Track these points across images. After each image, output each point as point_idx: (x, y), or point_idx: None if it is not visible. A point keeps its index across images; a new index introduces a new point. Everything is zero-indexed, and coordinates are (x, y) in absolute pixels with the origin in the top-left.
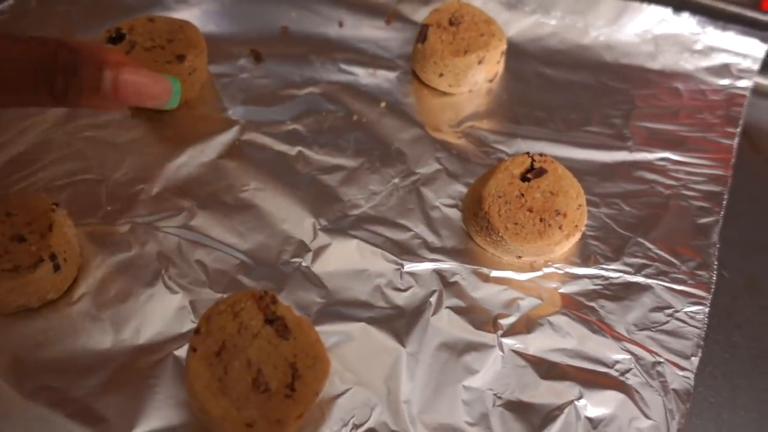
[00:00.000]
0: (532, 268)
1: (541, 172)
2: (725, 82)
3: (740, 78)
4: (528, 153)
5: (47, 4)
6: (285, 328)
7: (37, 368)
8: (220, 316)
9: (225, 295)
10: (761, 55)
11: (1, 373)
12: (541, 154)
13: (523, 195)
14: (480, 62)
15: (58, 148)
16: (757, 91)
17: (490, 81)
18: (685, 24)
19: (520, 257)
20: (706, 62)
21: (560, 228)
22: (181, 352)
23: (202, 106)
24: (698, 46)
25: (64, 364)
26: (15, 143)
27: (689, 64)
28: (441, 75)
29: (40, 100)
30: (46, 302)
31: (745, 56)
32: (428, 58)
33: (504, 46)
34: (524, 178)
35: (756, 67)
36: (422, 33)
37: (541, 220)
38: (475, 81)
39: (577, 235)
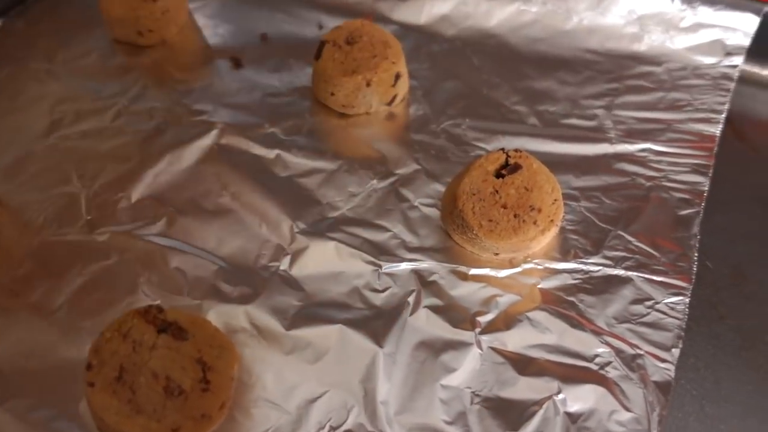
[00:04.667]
0: (512, 264)
1: (515, 168)
2: (713, 60)
3: (730, 55)
4: (503, 149)
5: (33, 25)
6: (180, 330)
7: (16, 378)
8: (108, 343)
9: (200, 302)
10: (753, 28)
11: None
12: (516, 150)
13: (497, 192)
14: (368, 84)
15: (40, 159)
16: (742, 78)
17: (388, 105)
18: (672, 0)
19: (497, 254)
20: (693, 40)
21: (535, 223)
22: None
23: (182, 46)
24: (685, 24)
25: (44, 375)
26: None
27: (676, 43)
28: (332, 94)
29: None
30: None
31: (735, 30)
32: (320, 76)
33: (399, 70)
34: (499, 175)
35: (747, 42)
36: (319, 49)
37: (515, 216)
38: (369, 104)
39: (554, 230)
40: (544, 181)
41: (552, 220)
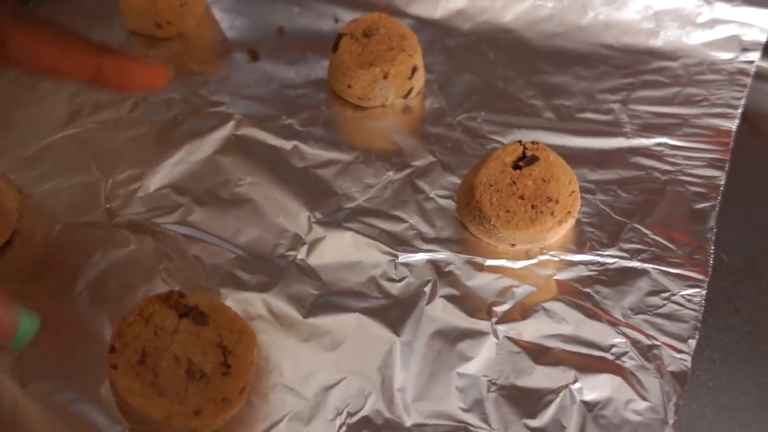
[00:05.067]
0: (527, 256)
1: (533, 160)
2: (729, 56)
3: (746, 51)
4: (520, 141)
5: (52, 16)
6: (201, 315)
7: (37, 361)
8: (130, 327)
9: (218, 289)
10: None
11: (3, 368)
12: (533, 142)
13: (514, 183)
14: (385, 77)
15: (59, 149)
16: (758, 74)
17: (404, 97)
18: None
19: (513, 245)
20: (709, 36)
21: (552, 214)
22: None
23: (199, 39)
24: (701, 19)
25: (65, 359)
26: (20, 147)
27: (692, 39)
28: (349, 86)
29: None
30: None
31: (751, 26)
32: (337, 68)
33: (415, 62)
34: (516, 166)
35: (764, 37)
36: (336, 42)
37: (533, 206)
38: (386, 96)
39: (570, 222)
40: (561, 173)
41: (569, 212)
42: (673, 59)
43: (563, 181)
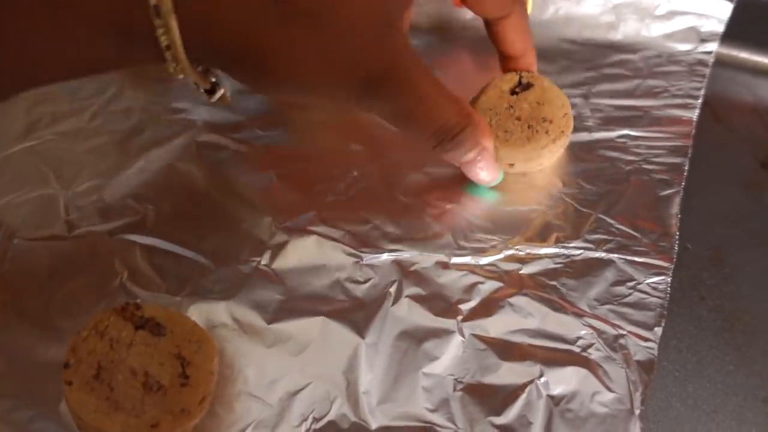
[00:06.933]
0: (493, 251)
1: (528, 86)
2: (688, 47)
3: (705, 42)
4: (516, 71)
5: None
6: (158, 326)
7: None
8: (85, 342)
9: (181, 299)
10: (727, 15)
11: None
12: (528, 71)
13: (512, 107)
14: None
15: (17, 162)
16: (721, 61)
17: None
18: None
19: (512, 165)
20: (668, 28)
21: (547, 133)
22: None
23: None
24: (660, 12)
25: (24, 376)
26: None
27: (651, 31)
28: None
29: (418, 137)
30: None
31: (709, 17)
32: None
33: None
34: (513, 92)
35: (721, 28)
36: None
37: (529, 126)
38: None
39: (564, 141)
40: (554, 96)
41: (563, 131)
42: (633, 52)
43: (557, 104)
